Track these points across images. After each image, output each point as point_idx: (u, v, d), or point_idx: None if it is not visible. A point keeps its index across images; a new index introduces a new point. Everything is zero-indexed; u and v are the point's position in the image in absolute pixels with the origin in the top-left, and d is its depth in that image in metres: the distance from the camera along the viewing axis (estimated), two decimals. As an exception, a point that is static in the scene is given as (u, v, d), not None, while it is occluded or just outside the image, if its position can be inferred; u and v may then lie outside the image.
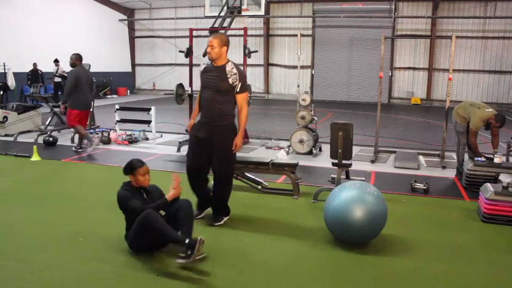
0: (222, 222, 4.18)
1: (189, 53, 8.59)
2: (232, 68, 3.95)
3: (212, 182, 4.21)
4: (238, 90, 3.95)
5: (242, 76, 3.98)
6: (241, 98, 4.02)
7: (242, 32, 8.61)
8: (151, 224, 3.23)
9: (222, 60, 3.96)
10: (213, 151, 4.04)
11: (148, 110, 9.00)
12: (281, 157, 6.74)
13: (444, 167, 6.79)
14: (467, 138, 6.00)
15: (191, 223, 3.46)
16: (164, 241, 3.41)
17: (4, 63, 14.47)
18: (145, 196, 3.56)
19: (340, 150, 4.78)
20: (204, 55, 8.99)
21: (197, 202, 4.31)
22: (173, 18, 21.20)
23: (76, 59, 7.28)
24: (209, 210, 4.33)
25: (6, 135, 8.92)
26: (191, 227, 3.44)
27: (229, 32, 9.04)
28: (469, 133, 5.89)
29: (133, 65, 23.05)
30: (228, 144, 4.04)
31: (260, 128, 10.45)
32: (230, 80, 3.92)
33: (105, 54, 20.26)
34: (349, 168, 5.07)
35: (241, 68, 4.12)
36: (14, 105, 9.47)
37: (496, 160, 5.38)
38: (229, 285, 3.04)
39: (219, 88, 3.94)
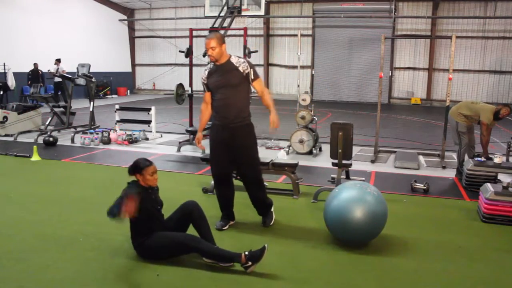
0: (273, 218, 4.26)
1: (189, 53, 8.59)
2: (239, 59, 3.93)
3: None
4: (252, 77, 3.90)
5: (251, 63, 3.95)
6: (259, 84, 3.97)
7: (242, 32, 8.62)
8: (200, 247, 3.25)
9: (224, 57, 3.89)
10: (236, 155, 3.96)
11: (148, 110, 9.00)
12: (281, 157, 6.74)
13: (444, 167, 6.79)
14: (470, 137, 6.00)
15: (208, 225, 3.49)
16: (214, 260, 3.30)
17: (4, 63, 14.48)
18: (152, 196, 3.47)
19: (340, 150, 4.78)
20: (204, 55, 9.04)
21: (222, 215, 4.20)
22: (173, 18, 21.18)
23: None
24: (233, 222, 4.23)
25: (6, 135, 8.92)
26: (210, 229, 3.48)
27: (229, 32, 9.05)
28: (483, 128, 5.76)
29: (133, 65, 23.02)
30: (251, 145, 4.02)
31: (260, 128, 10.40)
32: (241, 69, 3.85)
33: (105, 54, 20.26)
34: (349, 168, 5.07)
35: None
36: (14, 105, 9.48)
37: (496, 160, 5.39)
38: (228, 285, 3.04)
39: (231, 82, 3.85)
